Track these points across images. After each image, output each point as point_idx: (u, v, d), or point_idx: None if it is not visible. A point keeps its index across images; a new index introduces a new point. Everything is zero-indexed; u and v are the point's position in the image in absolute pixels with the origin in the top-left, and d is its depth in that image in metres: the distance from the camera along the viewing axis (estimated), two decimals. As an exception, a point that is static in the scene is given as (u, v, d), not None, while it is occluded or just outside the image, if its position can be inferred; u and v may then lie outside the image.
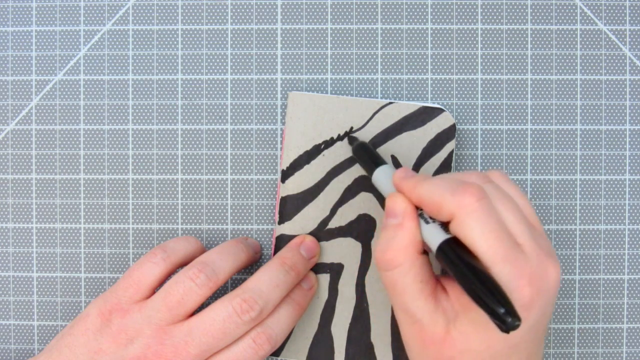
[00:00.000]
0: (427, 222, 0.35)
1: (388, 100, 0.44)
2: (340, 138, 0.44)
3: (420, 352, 0.36)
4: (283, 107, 0.45)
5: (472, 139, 0.45)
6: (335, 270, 0.44)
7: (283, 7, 0.45)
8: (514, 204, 0.35)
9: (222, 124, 0.45)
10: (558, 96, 0.45)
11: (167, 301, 0.38)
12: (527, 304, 0.33)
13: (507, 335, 0.34)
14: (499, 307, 0.30)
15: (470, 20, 0.45)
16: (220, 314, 0.38)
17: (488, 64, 0.45)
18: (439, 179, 0.35)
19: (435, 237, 0.34)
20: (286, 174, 0.44)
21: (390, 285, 0.36)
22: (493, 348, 0.34)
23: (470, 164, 0.45)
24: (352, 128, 0.44)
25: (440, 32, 0.45)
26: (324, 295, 0.44)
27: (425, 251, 0.37)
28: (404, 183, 0.37)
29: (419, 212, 0.36)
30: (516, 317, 0.30)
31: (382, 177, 0.39)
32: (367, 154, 0.41)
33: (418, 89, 0.45)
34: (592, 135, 0.45)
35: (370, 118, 0.44)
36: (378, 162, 0.40)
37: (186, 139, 0.45)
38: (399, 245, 0.36)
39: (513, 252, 0.33)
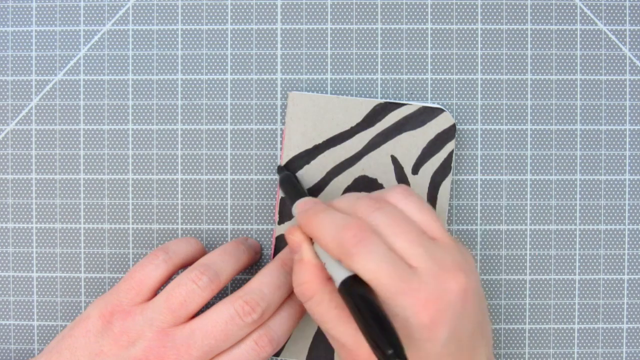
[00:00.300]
0: (324, 258, 0.36)
1: (388, 100, 0.44)
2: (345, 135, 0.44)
3: None
4: (283, 107, 0.45)
5: (472, 139, 0.45)
6: (335, 270, 0.44)
7: (283, 7, 0.45)
8: (406, 226, 0.36)
9: (222, 124, 0.45)
10: (558, 96, 0.45)
11: (169, 303, 0.38)
12: (428, 325, 0.34)
13: (424, 355, 0.34)
14: (386, 349, 0.31)
15: (470, 20, 0.45)
16: (222, 316, 0.38)
17: (488, 64, 0.45)
18: (326, 216, 0.36)
19: (337, 273, 0.35)
20: (286, 174, 0.44)
21: (312, 314, 0.37)
22: None
23: (470, 164, 0.45)
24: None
25: (440, 32, 0.45)
26: (324, 295, 0.44)
27: None
28: (300, 218, 0.38)
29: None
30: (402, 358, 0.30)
31: (294, 208, 0.40)
32: (291, 186, 0.42)
33: (418, 89, 0.45)
34: (592, 135, 0.45)
35: (370, 118, 0.44)
36: (300, 194, 0.40)
37: (186, 139, 0.45)
38: (305, 279, 0.37)
39: (404, 281, 0.34)
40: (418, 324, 0.33)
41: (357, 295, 0.33)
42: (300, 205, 0.38)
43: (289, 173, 0.43)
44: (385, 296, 0.34)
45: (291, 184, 0.42)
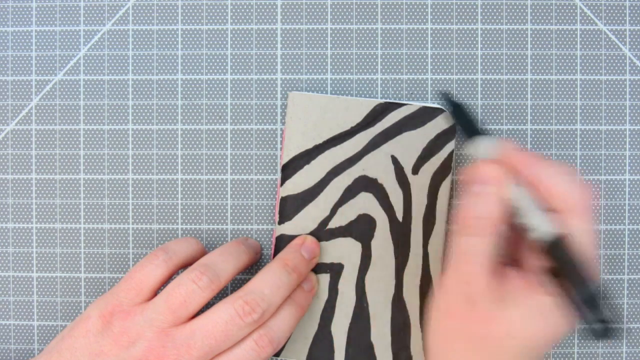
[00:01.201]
0: (530, 204, 0.35)
1: (388, 100, 0.44)
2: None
3: (458, 325, 0.36)
4: (283, 107, 0.45)
5: (472, 139, 0.45)
6: (335, 270, 0.44)
7: (283, 7, 0.45)
8: None
9: (222, 124, 0.45)
10: (558, 96, 0.45)
11: (169, 303, 0.38)
12: None
13: (554, 328, 0.34)
14: (598, 315, 0.31)
15: (470, 20, 0.45)
16: (222, 316, 0.38)
17: (488, 64, 0.45)
18: (554, 165, 0.35)
19: (546, 224, 0.34)
20: (286, 174, 0.44)
21: (459, 251, 0.36)
22: (537, 337, 0.35)
23: (470, 164, 0.45)
24: (353, 126, 0.44)
25: (440, 32, 0.45)
26: (324, 295, 0.44)
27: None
28: (517, 158, 0.36)
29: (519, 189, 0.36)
30: (614, 331, 0.30)
31: (485, 143, 0.38)
32: (467, 120, 0.40)
33: (418, 89, 0.45)
34: (592, 135, 0.45)
35: (370, 118, 0.44)
36: (479, 131, 0.39)
37: (186, 139, 0.45)
38: (482, 214, 0.35)
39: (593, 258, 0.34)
40: None
41: (575, 253, 0.33)
42: (511, 144, 0.37)
43: (460, 103, 0.40)
44: None
45: (469, 118, 0.40)
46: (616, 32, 0.45)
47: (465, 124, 0.39)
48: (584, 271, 0.32)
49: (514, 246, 0.38)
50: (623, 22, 0.45)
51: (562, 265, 0.33)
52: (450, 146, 0.43)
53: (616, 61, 0.45)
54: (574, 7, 0.45)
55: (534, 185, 0.35)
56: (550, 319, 0.34)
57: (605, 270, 0.45)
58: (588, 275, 0.32)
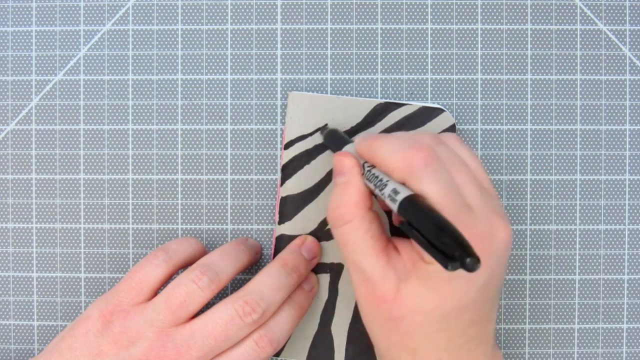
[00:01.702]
0: (384, 180, 0.35)
1: (388, 100, 0.44)
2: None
3: (371, 311, 0.36)
4: (283, 107, 0.45)
5: (472, 139, 0.45)
6: (335, 270, 0.44)
7: (283, 7, 0.45)
8: (465, 166, 0.36)
9: (222, 124, 0.45)
10: (558, 96, 0.45)
11: (169, 303, 0.38)
12: None
13: (456, 295, 0.34)
14: (457, 250, 0.29)
15: (470, 20, 0.45)
16: (222, 316, 0.38)
17: (488, 64, 0.45)
18: (391, 138, 0.36)
19: (398, 192, 0.34)
20: (286, 174, 0.44)
21: (342, 242, 0.36)
22: (442, 308, 0.34)
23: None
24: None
25: (440, 32, 0.45)
26: (324, 295, 0.44)
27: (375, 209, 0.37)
28: (360, 145, 0.37)
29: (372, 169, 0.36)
30: (476, 258, 0.29)
31: (348, 147, 0.40)
32: (335, 138, 0.41)
33: (418, 89, 0.45)
34: (592, 135, 0.45)
35: (370, 118, 0.44)
36: (346, 142, 0.40)
37: (186, 139, 0.45)
38: (349, 202, 0.36)
39: (462, 213, 0.33)
40: None
41: (424, 207, 0.32)
42: (359, 137, 0.38)
43: (333, 128, 0.42)
44: None
45: (337, 135, 0.41)
46: (616, 32, 0.45)
47: (335, 144, 0.41)
48: (430, 221, 0.31)
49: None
50: (623, 22, 0.45)
51: (415, 223, 0.32)
52: (450, 146, 0.43)
53: (616, 61, 0.45)
54: (574, 7, 0.45)
55: (376, 164, 0.36)
56: (441, 285, 0.34)
57: (605, 271, 0.45)
58: (436, 223, 0.31)
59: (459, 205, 0.34)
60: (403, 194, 0.33)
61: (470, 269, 0.29)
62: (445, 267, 0.29)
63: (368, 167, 0.37)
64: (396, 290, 0.35)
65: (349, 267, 0.37)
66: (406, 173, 0.34)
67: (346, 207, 0.36)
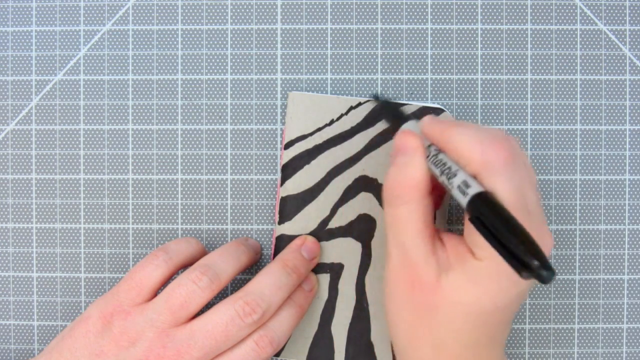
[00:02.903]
0: (453, 169, 0.35)
1: (388, 100, 0.44)
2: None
3: (404, 297, 0.36)
4: (283, 107, 0.45)
5: (472, 139, 0.45)
6: (335, 270, 0.44)
7: (283, 7, 0.45)
8: (527, 170, 0.35)
9: (222, 124, 0.45)
10: (558, 96, 0.45)
11: (169, 304, 0.38)
12: None
13: (499, 295, 0.34)
14: (535, 260, 0.29)
15: (470, 20, 0.45)
16: (222, 316, 0.38)
17: (488, 64, 0.45)
18: (469, 128, 0.35)
19: (469, 186, 0.33)
20: (286, 174, 0.44)
21: (392, 223, 0.36)
22: (482, 305, 0.34)
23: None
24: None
25: (440, 32, 0.45)
26: (324, 295, 0.44)
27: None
28: (432, 127, 0.36)
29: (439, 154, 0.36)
30: (552, 271, 0.29)
31: (410, 125, 0.39)
32: (394, 111, 0.40)
33: (418, 89, 0.45)
34: (592, 135, 0.45)
35: (371, 118, 0.44)
36: (407, 118, 0.39)
37: (186, 139, 0.45)
38: (410, 182, 0.35)
39: (526, 217, 0.33)
40: None
41: (502, 207, 0.32)
42: (427, 118, 0.37)
43: (385, 99, 0.41)
44: None
45: (395, 108, 0.40)
46: (616, 32, 0.45)
47: (393, 115, 0.40)
48: (507, 224, 0.31)
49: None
50: (623, 22, 0.45)
51: (488, 222, 0.32)
52: (450, 146, 0.43)
53: (616, 61, 0.45)
54: (574, 7, 0.45)
55: (447, 150, 0.35)
56: (488, 283, 0.34)
57: (605, 271, 0.45)
58: (513, 227, 0.31)
59: (524, 209, 0.33)
60: (475, 188, 0.33)
61: (546, 281, 0.28)
62: (520, 274, 0.29)
63: (435, 151, 0.36)
64: (436, 279, 0.34)
65: (392, 247, 0.36)
66: (482, 167, 0.33)
67: (407, 187, 0.35)
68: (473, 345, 0.36)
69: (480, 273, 0.34)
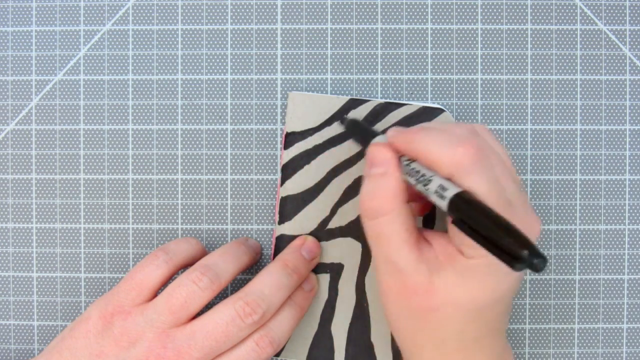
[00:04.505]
0: (427, 176, 0.35)
1: (388, 100, 0.44)
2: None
3: (400, 303, 0.36)
4: (283, 107, 0.45)
5: (472, 139, 0.45)
6: (335, 270, 0.44)
7: (283, 7, 0.45)
8: (501, 159, 0.36)
9: (222, 124, 0.45)
10: (558, 96, 0.45)
11: (169, 304, 0.38)
12: None
13: (495, 288, 0.34)
14: (524, 250, 0.29)
15: (470, 20, 0.45)
16: (223, 317, 0.38)
17: (488, 64, 0.45)
18: (435, 132, 0.35)
19: (446, 189, 0.34)
20: (286, 174, 0.44)
21: (374, 235, 0.36)
22: (479, 300, 0.34)
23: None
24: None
25: (440, 32, 0.45)
26: (324, 295, 0.44)
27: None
28: (398, 137, 0.36)
29: (410, 163, 0.36)
30: (543, 258, 0.28)
31: (378, 139, 0.39)
32: (361, 129, 0.41)
33: (418, 89, 0.45)
34: (592, 135, 0.45)
35: (371, 118, 0.44)
36: (374, 133, 0.39)
37: (186, 139, 0.45)
38: (386, 193, 0.35)
39: (506, 208, 0.33)
40: None
41: (480, 205, 0.32)
42: (392, 130, 0.37)
43: (354, 118, 0.42)
44: None
45: (362, 126, 0.41)
46: (616, 32, 0.45)
47: (361, 134, 0.40)
48: (489, 219, 0.31)
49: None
50: (623, 22, 0.45)
51: (471, 221, 0.32)
52: (450, 146, 0.43)
53: (616, 61, 0.45)
54: (574, 7, 0.45)
55: (417, 158, 0.35)
56: (481, 279, 0.34)
57: (605, 271, 0.45)
58: (495, 221, 0.31)
59: (503, 200, 0.33)
60: (452, 190, 0.33)
61: (539, 269, 0.28)
62: (512, 267, 0.29)
63: (407, 161, 0.36)
64: (429, 282, 0.34)
65: (379, 260, 0.36)
66: (454, 168, 0.33)
67: (383, 199, 0.35)
68: (475, 339, 0.36)
69: (472, 271, 0.34)
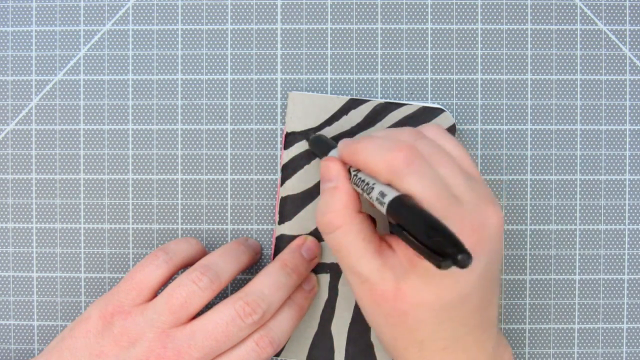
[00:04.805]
0: (370, 184, 0.35)
1: (388, 100, 0.44)
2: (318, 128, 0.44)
3: (373, 310, 0.36)
4: (283, 107, 0.45)
5: (472, 139, 0.45)
6: (335, 270, 0.44)
7: (283, 7, 0.45)
8: (448, 157, 0.36)
9: (222, 124, 0.45)
10: (558, 96, 0.45)
11: (169, 304, 0.38)
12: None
13: (457, 286, 0.34)
14: (448, 248, 0.29)
15: (470, 20, 0.45)
16: (223, 317, 0.38)
17: (488, 64, 0.45)
18: (372, 141, 0.36)
19: (386, 195, 0.34)
20: (286, 174, 0.44)
21: (335, 248, 0.36)
22: (444, 299, 0.34)
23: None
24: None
25: (440, 32, 0.45)
26: (324, 295, 0.44)
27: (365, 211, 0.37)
28: (343, 150, 0.37)
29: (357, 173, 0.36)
30: (467, 254, 0.28)
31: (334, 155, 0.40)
32: (320, 144, 0.41)
33: (418, 89, 0.45)
34: (592, 135, 0.45)
35: (371, 118, 0.44)
36: (331, 147, 0.40)
37: (186, 139, 0.45)
38: (337, 207, 0.36)
39: (451, 206, 0.34)
40: None
41: (412, 207, 0.32)
42: (341, 143, 0.38)
43: (317, 135, 0.43)
44: None
45: (322, 141, 0.42)
46: (616, 32, 0.45)
47: (320, 150, 0.41)
48: (419, 219, 0.31)
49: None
50: (623, 22, 0.45)
51: (405, 224, 0.32)
52: (450, 146, 0.43)
53: (616, 61, 0.45)
54: (574, 7, 0.45)
55: (361, 168, 0.36)
56: (441, 279, 0.34)
57: (605, 271, 0.45)
58: (425, 221, 0.31)
59: (446, 198, 0.34)
60: (390, 196, 0.33)
61: (463, 265, 0.28)
62: (438, 266, 0.29)
63: (354, 171, 0.37)
64: (396, 288, 0.35)
65: (345, 271, 0.37)
66: (390, 175, 0.34)
67: (335, 212, 0.36)
68: (454, 338, 0.36)
69: (431, 272, 0.34)
